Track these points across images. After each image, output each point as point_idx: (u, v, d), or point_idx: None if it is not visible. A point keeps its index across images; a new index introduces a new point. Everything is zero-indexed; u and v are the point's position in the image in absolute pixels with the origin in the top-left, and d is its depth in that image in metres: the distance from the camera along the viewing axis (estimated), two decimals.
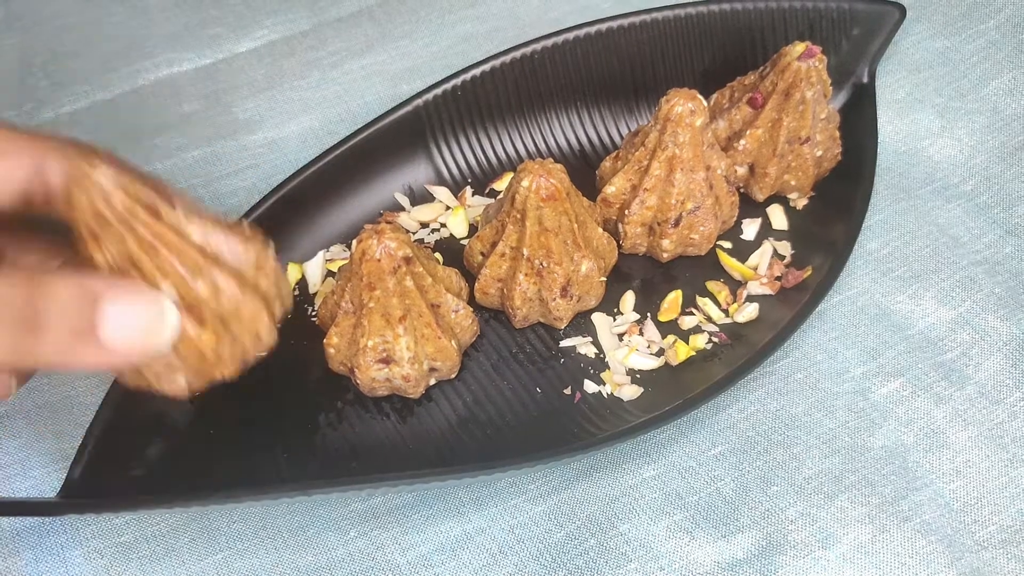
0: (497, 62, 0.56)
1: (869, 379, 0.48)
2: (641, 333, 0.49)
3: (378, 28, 0.66)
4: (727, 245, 0.53)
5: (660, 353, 0.49)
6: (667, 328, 0.50)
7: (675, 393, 0.46)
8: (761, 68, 0.53)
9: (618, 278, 0.52)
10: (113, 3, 0.68)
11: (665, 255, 0.51)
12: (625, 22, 0.57)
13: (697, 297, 0.51)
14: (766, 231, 0.54)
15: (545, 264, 0.46)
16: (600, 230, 0.49)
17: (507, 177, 0.56)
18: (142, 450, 0.45)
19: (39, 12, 0.67)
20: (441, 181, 0.56)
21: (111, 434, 0.44)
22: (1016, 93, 0.58)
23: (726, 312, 0.50)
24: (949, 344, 0.49)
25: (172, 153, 0.59)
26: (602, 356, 0.49)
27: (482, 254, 0.49)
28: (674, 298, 0.51)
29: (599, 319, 0.50)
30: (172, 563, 0.43)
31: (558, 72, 0.57)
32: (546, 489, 0.45)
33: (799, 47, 0.50)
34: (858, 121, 0.55)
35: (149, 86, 0.63)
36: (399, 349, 0.44)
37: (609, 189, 0.51)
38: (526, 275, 0.47)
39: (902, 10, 0.58)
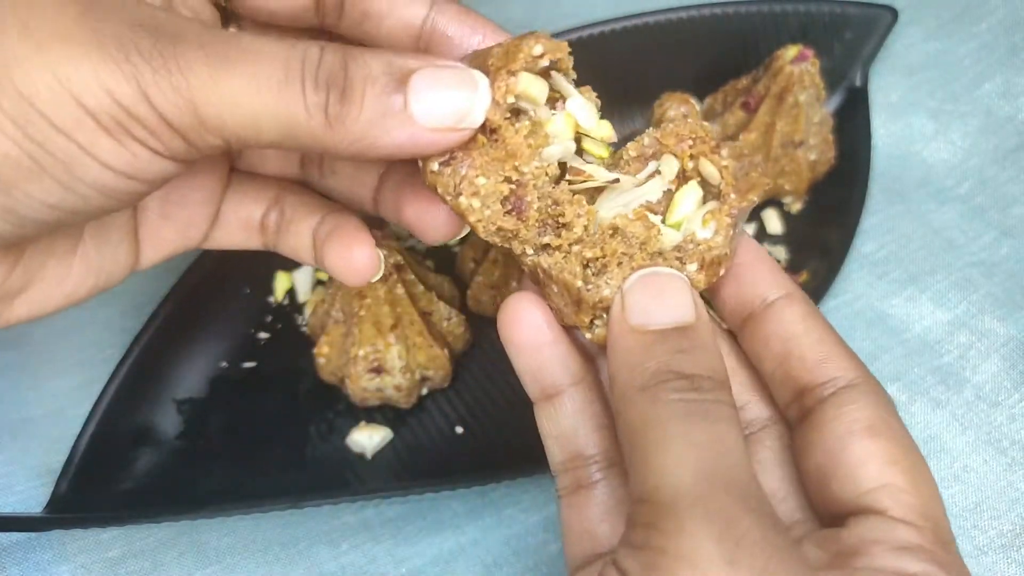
0: None
1: None
2: None
3: None
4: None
5: None
6: None
7: None
8: (754, 72, 0.53)
9: None
10: None
11: None
12: (617, 26, 0.56)
13: None
14: (761, 235, 0.53)
15: None
16: None
17: None
18: (130, 464, 0.44)
19: None
20: None
21: (98, 448, 0.44)
22: (1009, 95, 0.58)
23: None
24: (946, 347, 0.49)
25: None
26: None
27: (474, 260, 0.49)
28: None
29: None
30: None
31: None
32: (541, 500, 0.44)
33: (792, 51, 0.50)
34: (852, 124, 0.55)
35: None
36: (390, 358, 0.44)
37: None
38: (519, 281, 0.47)
39: (894, 13, 0.57)
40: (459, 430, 0.46)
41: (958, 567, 0.26)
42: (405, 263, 0.44)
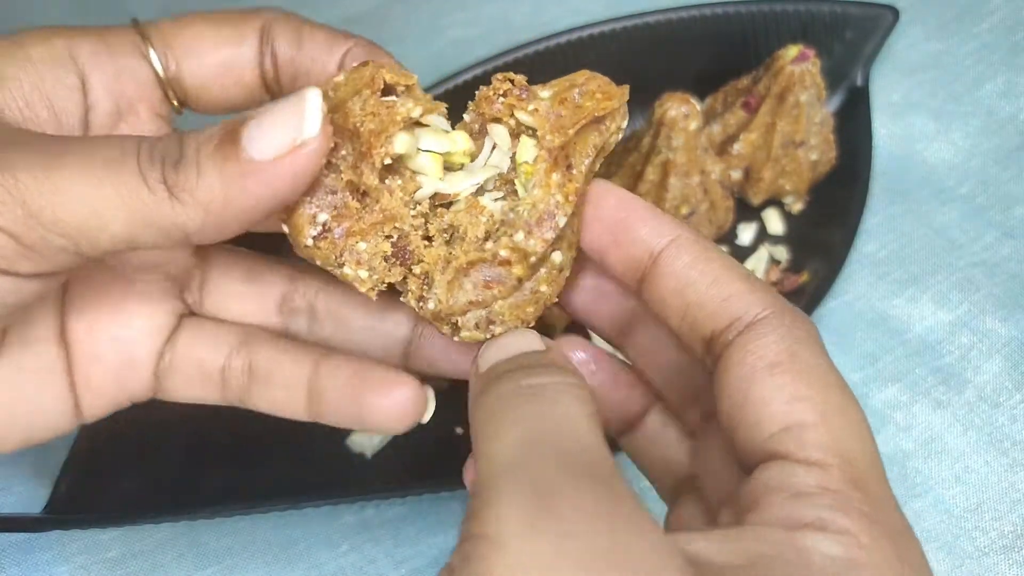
0: (489, 66, 0.55)
1: (867, 384, 0.47)
2: None
3: (368, 33, 0.65)
4: (723, 250, 0.52)
5: None
6: None
7: None
8: (755, 71, 0.52)
9: None
10: None
11: None
12: (618, 26, 0.56)
13: None
14: (762, 236, 0.53)
15: None
16: None
17: None
18: (129, 464, 0.44)
19: None
20: None
21: (97, 448, 0.44)
22: (1010, 95, 0.58)
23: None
24: (948, 348, 0.48)
25: None
26: None
27: None
28: None
29: None
30: None
31: (550, 76, 0.56)
32: None
33: (793, 50, 0.50)
34: (853, 124, 0.55)
35: None
36: None
37: None
38: None
39: (895, 13, 0.57)
40: (459, 430, 0.46)
41: (872, 505, 0.23)
42: None
